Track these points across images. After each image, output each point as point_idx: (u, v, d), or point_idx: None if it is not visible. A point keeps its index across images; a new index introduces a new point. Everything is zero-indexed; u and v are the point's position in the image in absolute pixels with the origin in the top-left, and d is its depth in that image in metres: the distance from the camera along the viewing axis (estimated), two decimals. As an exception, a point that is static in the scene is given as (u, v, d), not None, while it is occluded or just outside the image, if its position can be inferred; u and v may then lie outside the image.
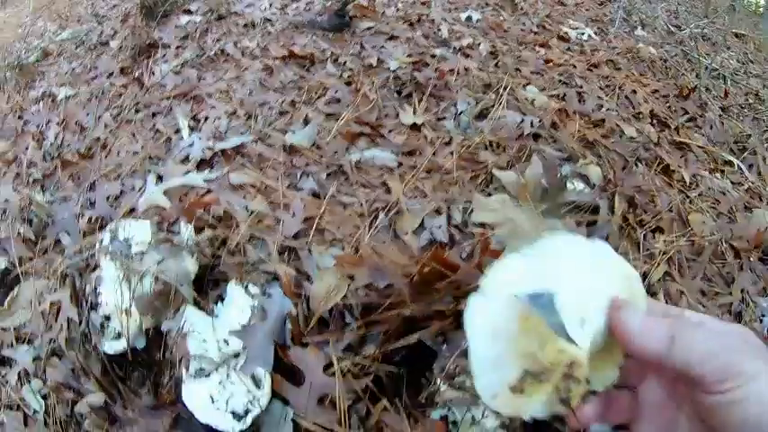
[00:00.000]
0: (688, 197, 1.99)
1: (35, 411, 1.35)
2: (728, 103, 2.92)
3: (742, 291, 1.72)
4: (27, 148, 2.22)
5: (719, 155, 2.37)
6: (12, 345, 1.47)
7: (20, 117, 2.49)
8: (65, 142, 2.18)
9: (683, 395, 0.51)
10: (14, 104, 2.59)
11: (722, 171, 2.30)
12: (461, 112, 1.97)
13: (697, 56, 3.16)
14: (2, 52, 3.22)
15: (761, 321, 1.68)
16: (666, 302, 1.50)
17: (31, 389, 1.37)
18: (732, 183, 2.24)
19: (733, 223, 1.98)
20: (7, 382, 1.41)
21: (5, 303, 1.56)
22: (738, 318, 1.65)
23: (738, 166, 2.37)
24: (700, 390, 0.46)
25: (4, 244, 1.73)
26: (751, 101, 3.08)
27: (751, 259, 1.85)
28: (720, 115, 2.73)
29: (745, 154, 2.49)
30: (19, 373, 1.42)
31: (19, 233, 1.76)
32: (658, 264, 1.65)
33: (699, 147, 2.34)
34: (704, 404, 0.46)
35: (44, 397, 1.36)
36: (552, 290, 0.49)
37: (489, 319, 0.49)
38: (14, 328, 1.51)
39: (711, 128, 2.56)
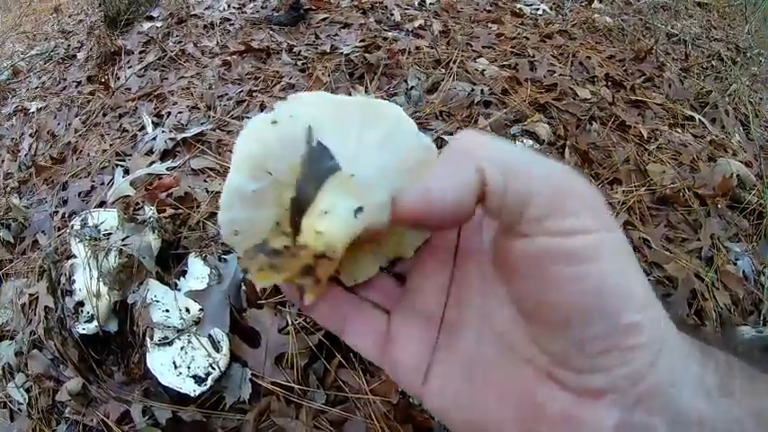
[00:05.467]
0: (646, 150, 2.04)
1: (19, 405, 1.40)
2: (689, 64, 2.97)
3: (712, 236, 1.76)
4: (2, 161, 2.29)
5: (679, 111, 2.42)
6: (-5, 343, 1.52)
7: (-6, 133, 2.56)
8: (38, 151, 2.24)
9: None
10: (-13, 122, 2.66)
11: (683, 126, 2.35)
12: (412, 87, 2.03)
13: (654, 21, 3.22)
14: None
15: (735, 264, 1.73)
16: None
17: (15, 384, 1.43)
18: (694, 136, 2.29)
19: (696, 172, 2.03)
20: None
21: (-12, 304, 1.63)
22: (710, 262, 1.69)
23: (700, 120, 2.42)
24: (511, 235, 0.32)
25: (-16, 251, 1.78)
26: (713, 63, 3.12)
27: (719, 206, 1.90)
28: (680, 75, 2.78)
29: (707, 109, 2.54)
30: (3, 368, 1.47)
31: (-2, 237, 1.82)
32: (617, 213, 1.70)
33: (656, 104, 2.40)
34: (520, 261, 0.32)
35: (27, 390, 1.42)
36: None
37: (265, 146, 0.36)
38: (-3, 328, 1.57)
39: (670, 86, 2.61)
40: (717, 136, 2.35)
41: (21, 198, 2.01)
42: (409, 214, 0.33)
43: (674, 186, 1.89)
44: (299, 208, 0.35)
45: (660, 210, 1.83)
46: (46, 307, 1.44)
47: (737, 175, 2.02)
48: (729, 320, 1.56)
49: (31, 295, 1.55)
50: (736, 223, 1.88)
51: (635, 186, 1.86)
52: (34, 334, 1.47)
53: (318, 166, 0.35)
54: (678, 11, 3.77)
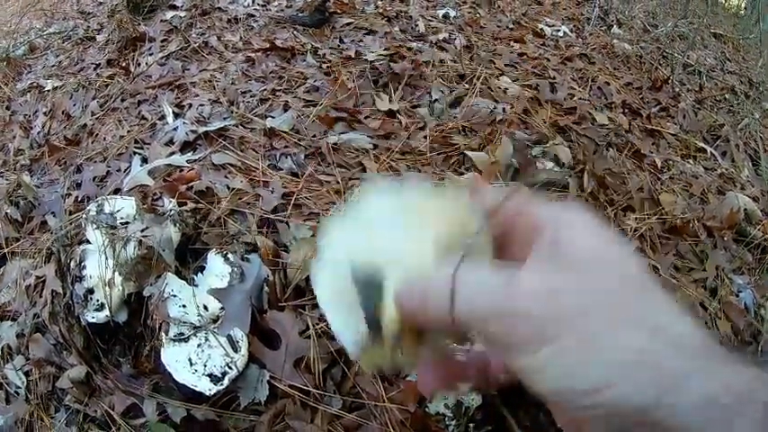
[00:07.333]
0: (659, 179, 2.07)
1: (17, 388, 1.38)
2: (704, 96, 3.00)
3: (717, 267, 1.79)
4: (14, 137, 2.26)
5: (692, 142, 2.45)
6: (-4, 322, 1.49)
7: (7, 108, 2.54)
8: (52, 130, 2.22)
9: None
10: (2, 96, 2.64)
11: (695, 157, 2.39)
12: (436, 100, 2.04)
13: (671, 51, 3.25)
14: (-12, 47, 3.25)
15: (737, 296, 1.76)
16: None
17: (14, 366, 1.40)
18: (705, 168, 2.33)
19: (705, 204, 2.06)
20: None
21: (-9, 282, 1.60)
22: (714, 293, 1.72)
23: (711, 153, 2.45)
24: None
25: (-9, 225, 1.75)
26: (727, 95, 3.16)
27: (725, 238, 1.94)
28: (695, 107, 2.81)
29: (718, 142, 2.58)
30: (2, 349, 1.45)
31: (6, 214, 1.79)
32: (630, 240, 1.72)
33: (671, 134, 2.43)
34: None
35: (26, 374, 1.39)
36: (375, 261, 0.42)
37: (329, 284, 0.45)
38: (-1, 307, 1.54)
39: (684, 117, 2.65)
40: (726, 169, 2.39)
41: (32, 176, 1.99)
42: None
43: (684, 217, 1.91)
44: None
45: (670, 239, 1.85)
46: (53, 291, 1.42)
47: (745, 210, 2.05)
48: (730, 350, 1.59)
49: (37, 277, 1.53)
50: (740, 256, 1.91)
51: (647, 215, 1.88)
52: (38, 317, 1.44)
53: (369, 291, 0.41)
54: (694, 41, 3.81)
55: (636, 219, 1.84)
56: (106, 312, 1.32)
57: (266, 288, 1.28)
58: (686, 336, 0.33)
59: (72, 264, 1.41)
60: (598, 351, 0.32)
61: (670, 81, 2.87)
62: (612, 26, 3.54)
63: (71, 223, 1.63)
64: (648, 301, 0.34)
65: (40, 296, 1.48)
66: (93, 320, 1.32)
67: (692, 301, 1.63)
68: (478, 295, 0.35)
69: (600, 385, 0.31)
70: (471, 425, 1.20)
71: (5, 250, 1.71)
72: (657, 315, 0.33)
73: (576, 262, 0.35)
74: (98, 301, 1.34)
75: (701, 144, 2.49)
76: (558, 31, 3.06)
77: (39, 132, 2.26)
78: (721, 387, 0.31)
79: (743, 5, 6.18)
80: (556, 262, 0.35)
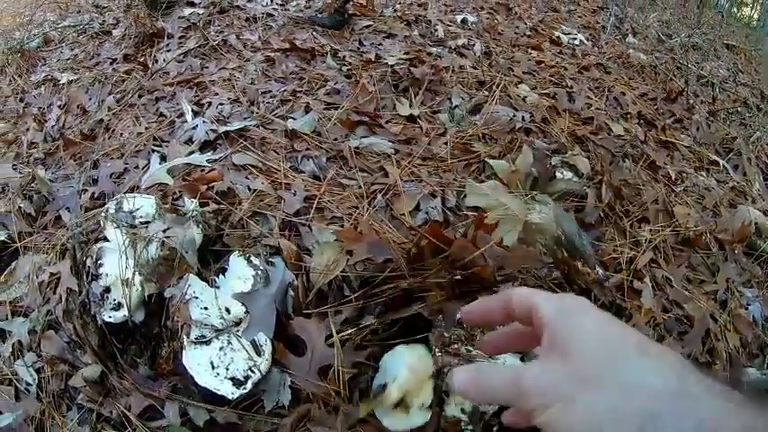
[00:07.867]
0: (673, 191, 2.07)
1: (27, 385, 1.36)
2: (716, 108, 3.00)
3: (727, 280, 1.81)
4: (28, 129, 2.25)
5: (705, 155, 2.45)
6: (7, 318, 1.48)
7: (21, 100, 2.52)
8: (66, 124, 2.20)
9: None
10: (16, 87, 2.63)
11: (708, 170, 2.40)
12: (456, 106, 2.04)
13: (686, 63, 3.24)
14: (2, 38, 3.24)
15: (746, 309, 1.78)
16: (653, 288, 1.61)
17: (25, 362, 1.38)
18: (717, 181, 2.34)
19: (717, 217, 2.07)
20: (0, 356, 1.41)
21: (2, 277, 1.58)
22: (724, 305, 1.73)
23: (724, 166, 2.46)
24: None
25: (4, 219, 1.74)
26: (739, 108, 3.16)
27: (736, 252, 1.95)
28: (708, 118, 2.81)
29: (731, 155, 2.59)
30: (13, 346, 1.42)
31: (19, 208, 1.76)
32: (644, 251, 1.72)
33: (685, 146, 2.43)
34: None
35: (38, 371, 1.37)
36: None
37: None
38: (10, 302, 1.52)
39: (698, 129, 2.65)
40: (738, 183, 2.40)
41: (46, 170, 1.97)
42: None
43: (696, 229, 1.92)
44: None
45: (683, 251, 1.86)
46: (68, 288, 1.40)
47: (755, 224, 2.06)
48: (738, 362, 1.60)
49: (51, 274, 1.51)
50: (750, 270, 1.93)
51: (661, 226, 1.88)
52: (51, 314, 1.42)
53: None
54: (707, 51, 3.81)
55: (650, 230, 1.84)
56: (124, 312, 1.31)
57: (291, 292, 1.27)
58: (664, 385, 0.43)
59: (88, 261, 1.40)
60: (581, 410, 0.44)
61: (684, 93, 2.86)
62: (627, 35, 3.54)
63: (87, 220, 1.62)
64: (631, 366, 0.45)
65: (54, 292, 1.47)
66: (110, 320, 1.31)
67: (702, 313, 1.63)
68: (502, 386, 0.50)
69: None
70: (494, 429, 1.20)
71: (18, 244, 1.68)
72: (640, 375, 0.44)
73: (567, 349, 0.48)
74: (115, 300, 1.33)
75: (714, 157, 2.49)
76: (575, 39, 3.06)
77: (53, 126, 2.25)
78: (694, 423, 0.40)
79: (755, 16, 6.18)
80: (554, 350, 0.49)
